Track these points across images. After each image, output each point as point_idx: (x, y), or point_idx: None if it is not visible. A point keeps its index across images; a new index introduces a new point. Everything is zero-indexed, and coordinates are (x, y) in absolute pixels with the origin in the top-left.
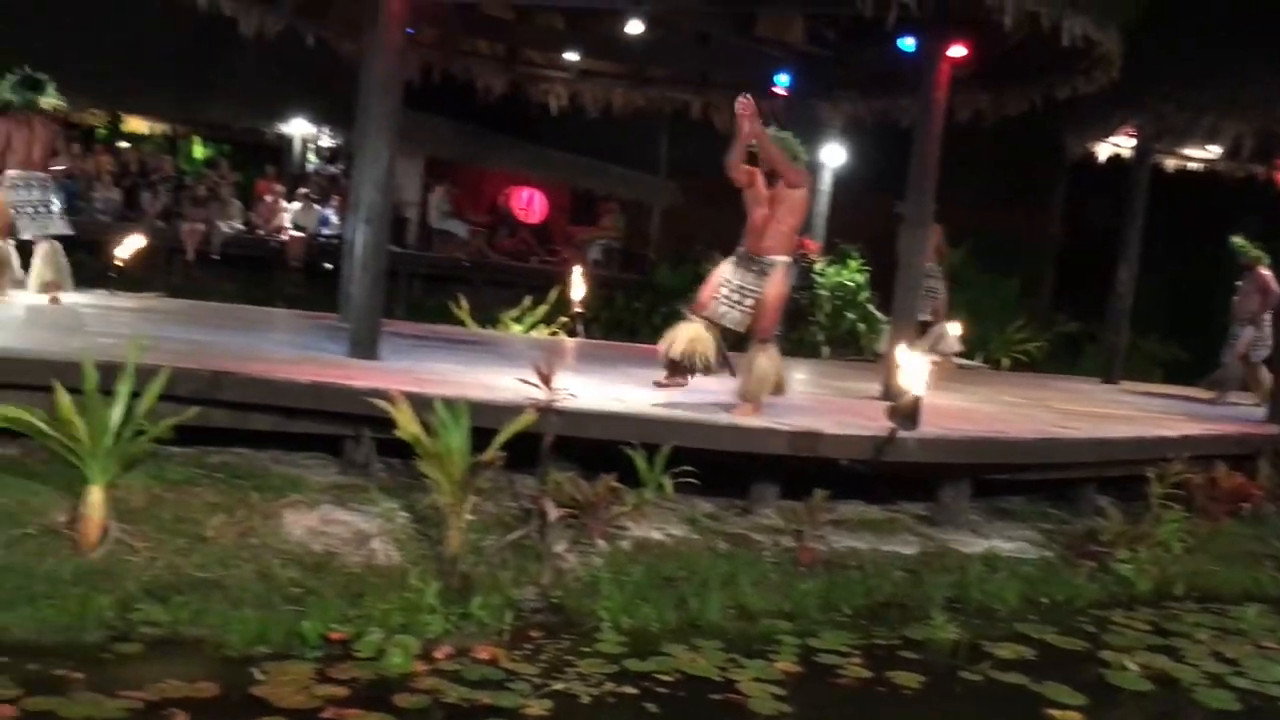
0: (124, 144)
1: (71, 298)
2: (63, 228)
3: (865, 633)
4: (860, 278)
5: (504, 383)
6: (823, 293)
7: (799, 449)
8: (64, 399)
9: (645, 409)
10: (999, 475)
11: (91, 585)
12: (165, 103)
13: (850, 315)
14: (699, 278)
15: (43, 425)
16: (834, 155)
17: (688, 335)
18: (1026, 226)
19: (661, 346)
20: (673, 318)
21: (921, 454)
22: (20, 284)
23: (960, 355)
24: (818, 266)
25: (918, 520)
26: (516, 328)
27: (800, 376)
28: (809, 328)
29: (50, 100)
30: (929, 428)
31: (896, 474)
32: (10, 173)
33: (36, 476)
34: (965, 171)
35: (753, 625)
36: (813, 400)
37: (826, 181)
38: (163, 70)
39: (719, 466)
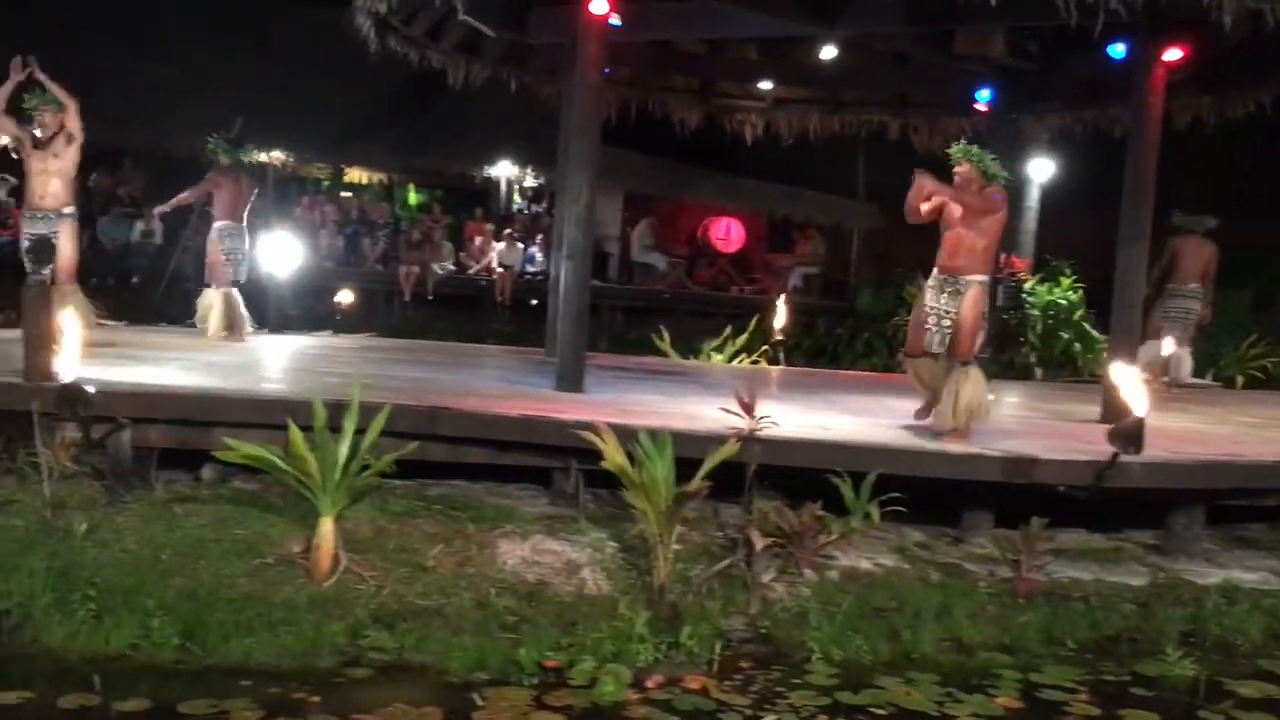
0: (345, 194)
1: (270, 340)
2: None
3: (1092, 668)
4: (1074, 295)
5: (707, 412)
6: (1033, 312)
7: (1013, 475)
8: (297, 436)
9: (850, 436)
10: (1235, 501)
11: (324, 612)
12: (382, 154)
13: (1064, 335)
14: (901, 301)
15: (279, 461)
16: (1041, 170)
17: (967, 397)
18: (1259, 236)
19: (944, 415)
20: (876, 343)
21: (1147, 479)
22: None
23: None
24: (1027, 285)
25: (1146, 549)
26: (718, 357)
27: (1012, 399)
28: (1020, 349)
29: (250, 157)
30: (1156, 451)
31: (1121, 501)
32: (220, 223)
33: (274, 509)
34: (1189, 180)
35: (969, 658)
36: (1026, 424)
37: (1034, 197)
38: (379, 123)
39: (928, 494)
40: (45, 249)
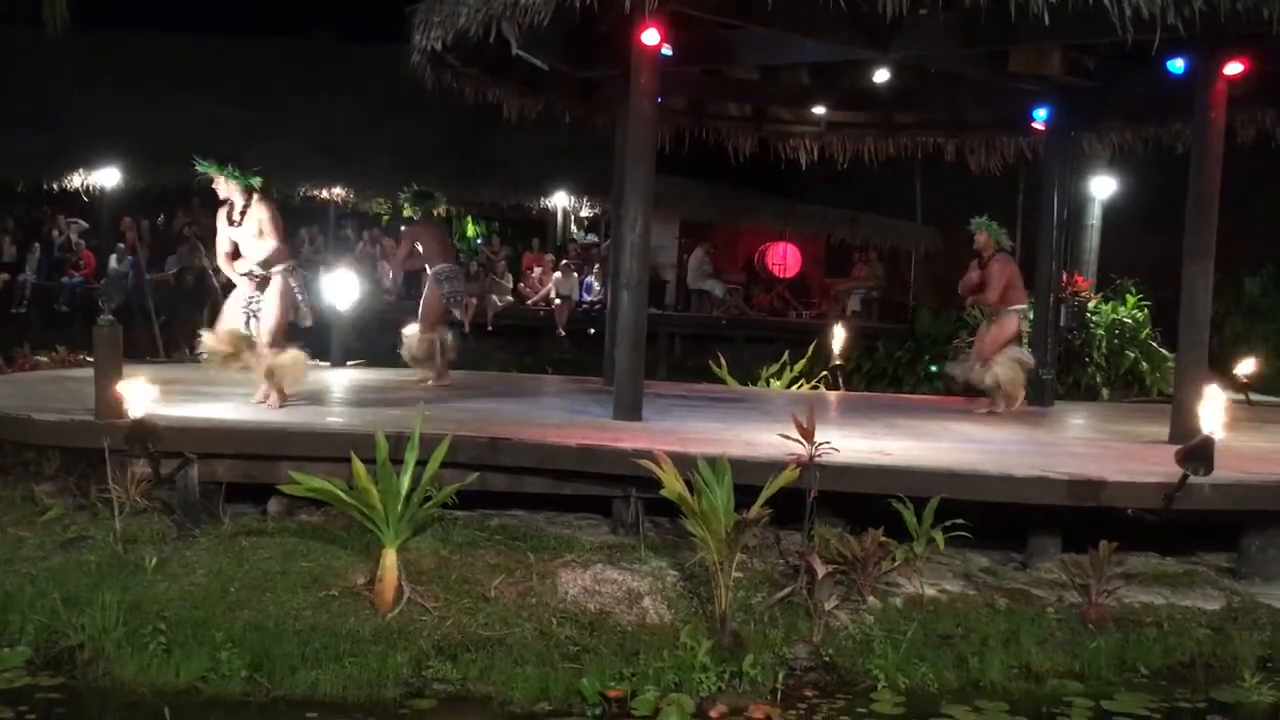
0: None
1: (368, 373)
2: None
3: (1166, 695)
4: (1140, 313)
5: (766, 439)
6: (1098, 331)
7: (1079, 498)
8: (360, 469)
9: (912, 460)
10: None
11: (389, 644)
12: (440, 187)
13: (1130, 353)
14: (962, 323)
15: (342, 494)
16: (1103, 187)
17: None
18: None
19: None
20: (936, 366)
21: (1218, 501)
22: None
23: (1254, 390)
24: (1091, 304)
25: (1220, 573)
26: (776, 383)
27: (1078, 420)
28: (1085, 368)
29: (439, 207)
30: (1226, 471)
31: (1192, 523)
32: (440, 266)
33: (338, 541)
34: (1257, 194)
35: (1039, 686)
36: (1093, 445)
37: (1095, 215)
38: (437, 157)
39: (993, 518)
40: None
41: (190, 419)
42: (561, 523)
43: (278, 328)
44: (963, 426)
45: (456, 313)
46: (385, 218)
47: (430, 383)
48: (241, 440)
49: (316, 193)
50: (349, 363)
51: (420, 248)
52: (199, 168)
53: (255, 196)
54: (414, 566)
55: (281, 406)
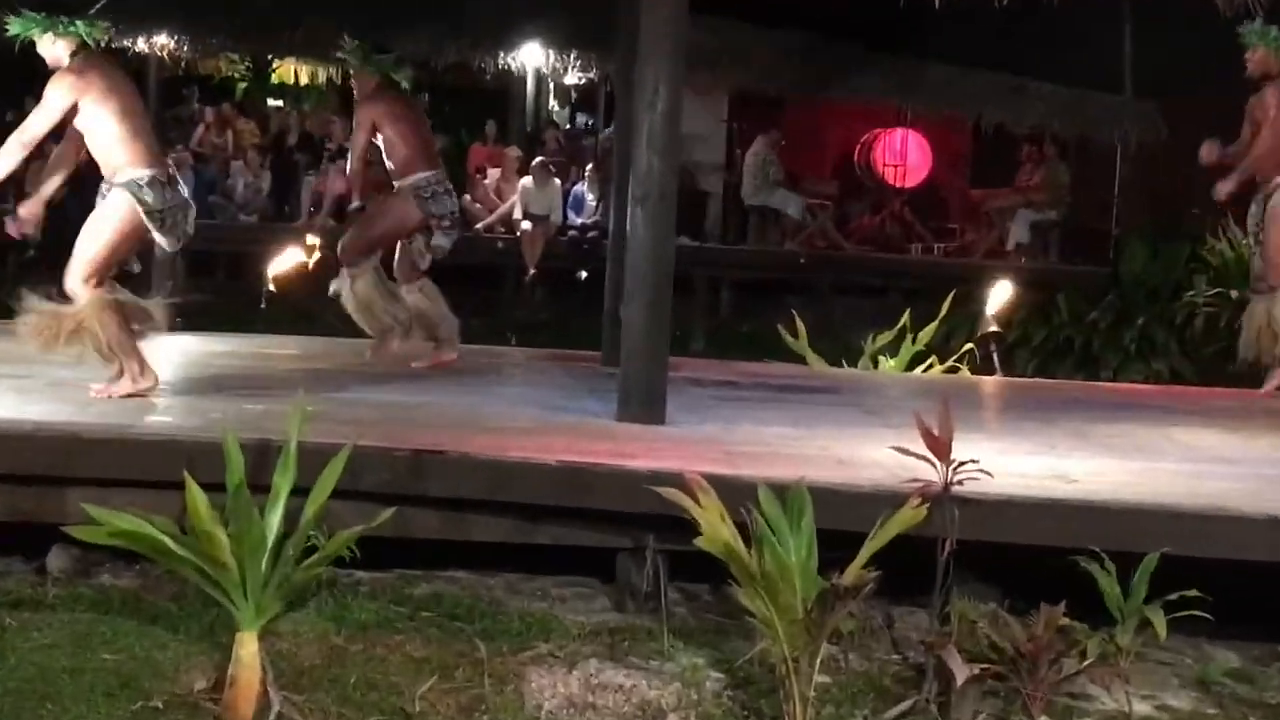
0: (274, 103)
1: (214, 343)
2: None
3: None
4: None
5: (870, 455)
6: None
7: None
8: (199, 500)
9: (1113, 492)
10: None
11: None
12: (332, 35)
13: None
14: (1199, 264)
15: (170, 542)
16: None
17: None
18: None
19: None
20: (1157, 335)
21: None
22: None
23: None
24: None
25: None
26: (890, 363)
27: None
28: None
29: (404, 76)
30: None
31: None
32: (416, 177)
33: (163, 619)
34: None
35: None
36: None
37: None
38: None
39: (1249, 590)
40: None
41: None
42: (532, 591)
43: (98, 260)
44: (1200, 438)
45: (427, 257)
46: (242, 85)
47: (423, 363)
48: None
49: (128, 44)
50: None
51: (384, 142)
52: (13, 29)
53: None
54: (288, 661)
55: (134, 395)
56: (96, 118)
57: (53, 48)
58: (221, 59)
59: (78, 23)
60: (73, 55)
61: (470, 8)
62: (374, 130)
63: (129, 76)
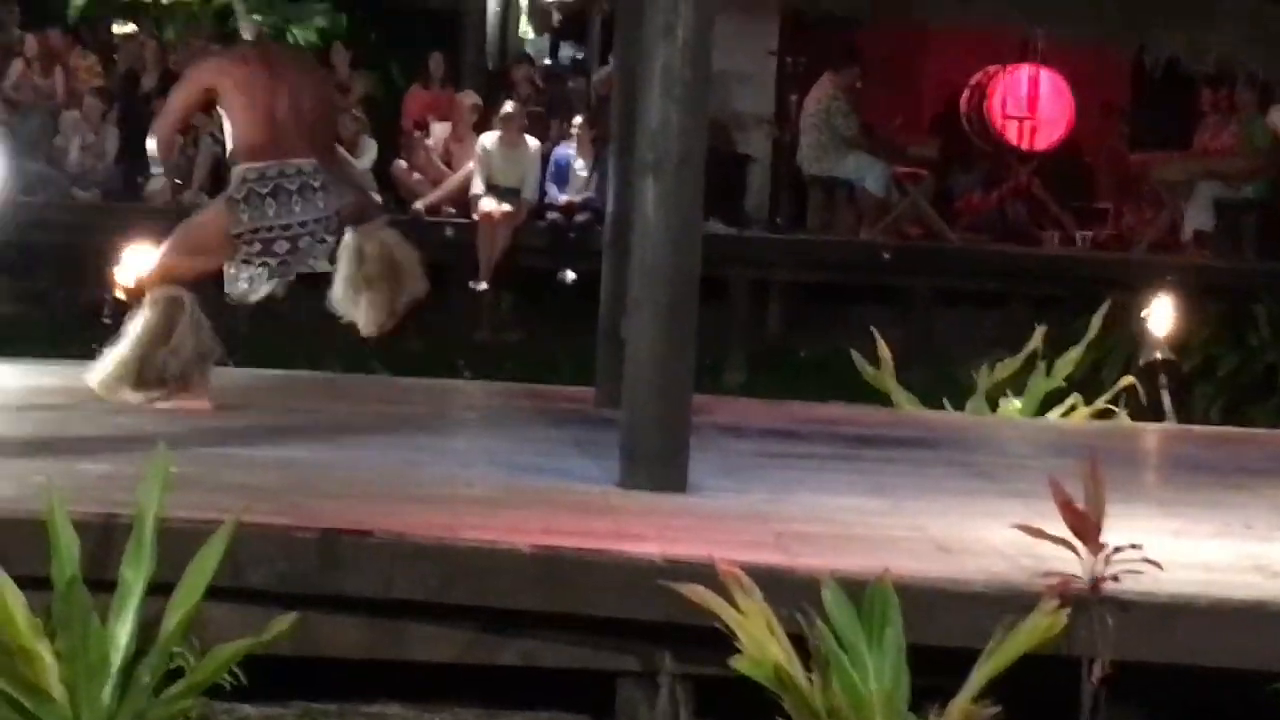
0: (123, 28)
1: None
2: None
3: None
4: None
5: (982, 536)
6: None
7: None
8: (13, 602)
9: None
10: None
11: None
12: None
13: None
14: None
15: None
16: None
17: None
18: None
19: None
20: None
21: None
22: None
23: None
24: None
25: None
26: (1013, 404)
27: None
28: None
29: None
30: None
31: None
32: (258, 165)
33: None
34: None
35: None
36: None
37: None
38: None
39: None
40: None
41: None
42: None
43: None
44: None
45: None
46: (79, 3)
47: (170, 402)
48: None
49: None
50: None
51: (226, 112)
52: None
53: None
54: None
55: None
56: None
57: None
58: None
59: None
60: None
61: None
62: (205, 99)
63: None
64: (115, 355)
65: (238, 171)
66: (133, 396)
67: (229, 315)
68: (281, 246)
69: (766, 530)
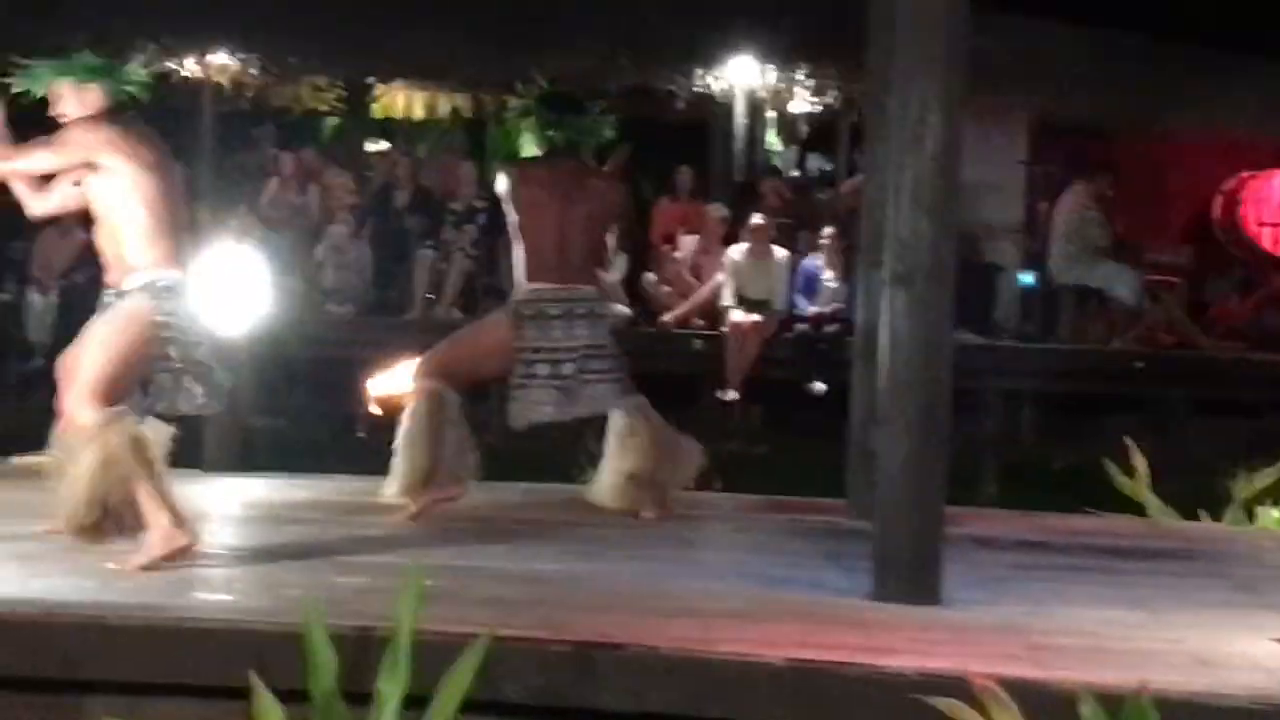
0: (378, 146)
1: (289, 487)
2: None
3: None
4: None
5: (1244, 649)
6: None
7: None
8: (271, 714)
9: None
10: None
11: None
12: (460, 52)
13: None
14: None
15: None
16: None
17: None
18: None
19: None
20: None
21: None
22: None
23: None
24: None
25: None
26: (1273, 514)
27: None
28: None
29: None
30: None
31: None
32: (533, 287)
33: None
34: None
35: None
36: None
37: None
38: None
39: None
40: None
41: None
42: None
43: (103, 378)
44: None
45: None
46: (332, 122)
47: (431, 496)
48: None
49: (174, 67)
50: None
51: (517, 229)
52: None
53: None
54: None
55: (169, 560)
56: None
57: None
58: (304, 85)
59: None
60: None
61: (649, 4)
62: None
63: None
64: (399, 462)
65: (526, 289)
66: (416, 497)
67: (479, 430)
68: (567, 369)
69: (1021, 643)
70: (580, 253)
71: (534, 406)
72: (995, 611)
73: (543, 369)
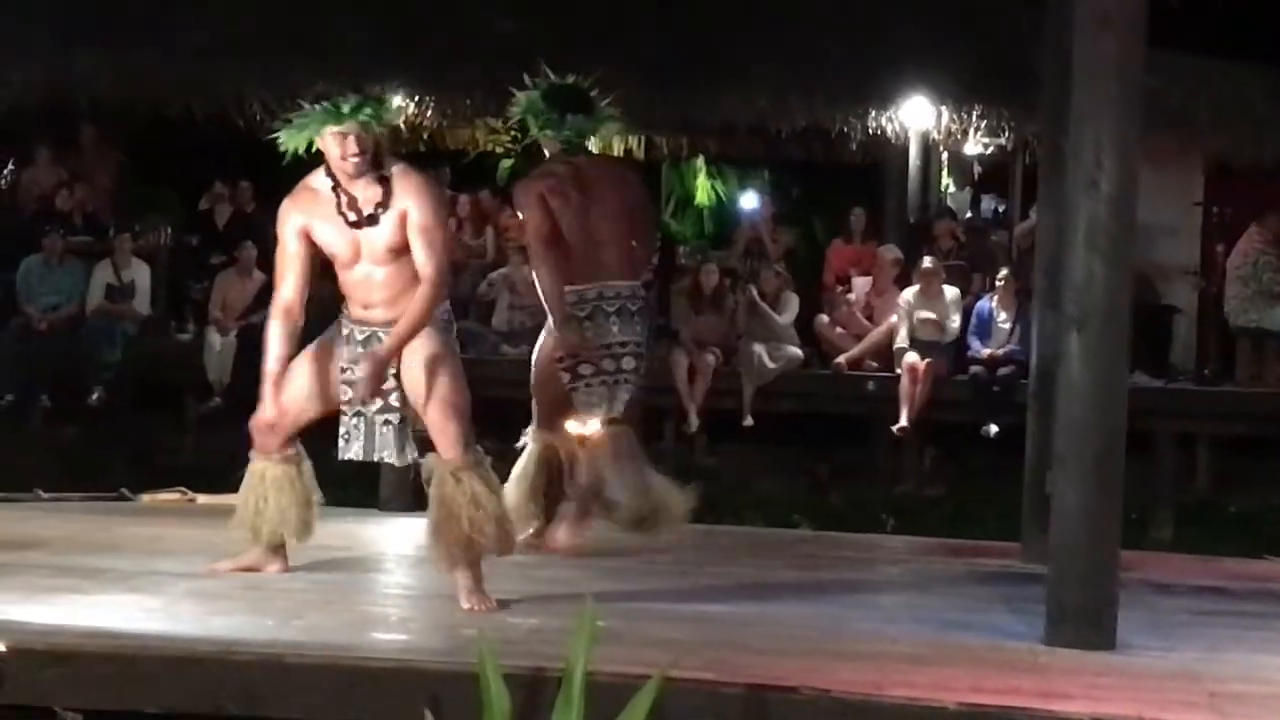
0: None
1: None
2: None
3: None
4: None
5: None
6: None
7: None
8: None
9: None
10: None
11: None
12: (629, 93)
13: None
14: None
15: None
16: None
17: None
18: None
19: None
20: None
21: None
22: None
23: None
24: None
25: None
26: None
27: None
28: None
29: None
30: None
31: None
32: (578, 288)
33: None
34: None
35: None
36: None
37: None
38: (621, 31)
39: None
40: None
41: (65, 629)
42: None
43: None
44: None
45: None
46: (507, 164)
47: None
48: (176, 675)
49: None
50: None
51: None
52: (290, 133)
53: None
54: None
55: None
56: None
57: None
58: (478, 127)
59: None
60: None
61: (822, 46)
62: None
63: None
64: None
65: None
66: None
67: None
68: (609, 365)
69: (1199, 690)
70: (612, 250)
71: (595, 403)
72: (1172, 658)
73: (588, 369)
